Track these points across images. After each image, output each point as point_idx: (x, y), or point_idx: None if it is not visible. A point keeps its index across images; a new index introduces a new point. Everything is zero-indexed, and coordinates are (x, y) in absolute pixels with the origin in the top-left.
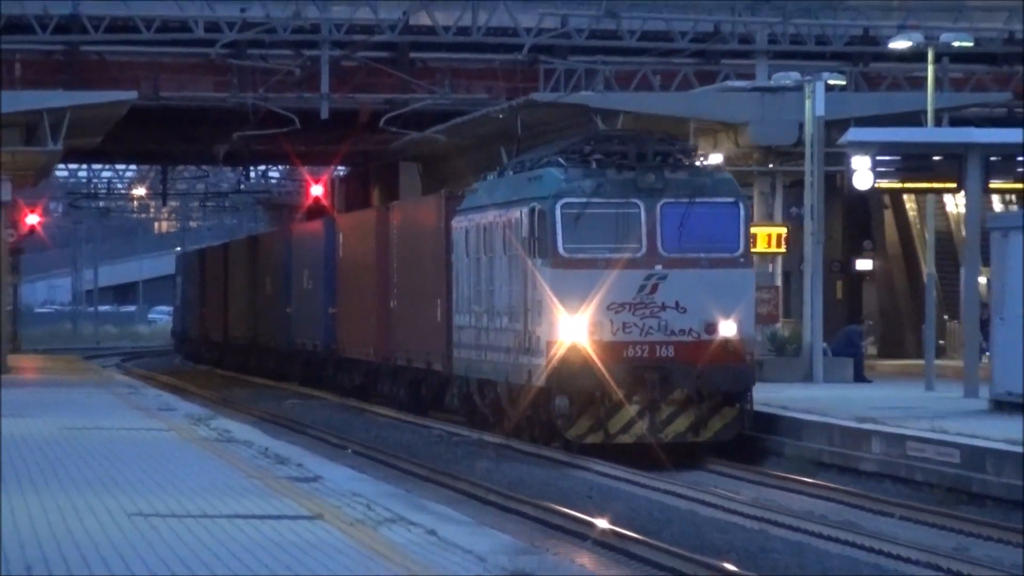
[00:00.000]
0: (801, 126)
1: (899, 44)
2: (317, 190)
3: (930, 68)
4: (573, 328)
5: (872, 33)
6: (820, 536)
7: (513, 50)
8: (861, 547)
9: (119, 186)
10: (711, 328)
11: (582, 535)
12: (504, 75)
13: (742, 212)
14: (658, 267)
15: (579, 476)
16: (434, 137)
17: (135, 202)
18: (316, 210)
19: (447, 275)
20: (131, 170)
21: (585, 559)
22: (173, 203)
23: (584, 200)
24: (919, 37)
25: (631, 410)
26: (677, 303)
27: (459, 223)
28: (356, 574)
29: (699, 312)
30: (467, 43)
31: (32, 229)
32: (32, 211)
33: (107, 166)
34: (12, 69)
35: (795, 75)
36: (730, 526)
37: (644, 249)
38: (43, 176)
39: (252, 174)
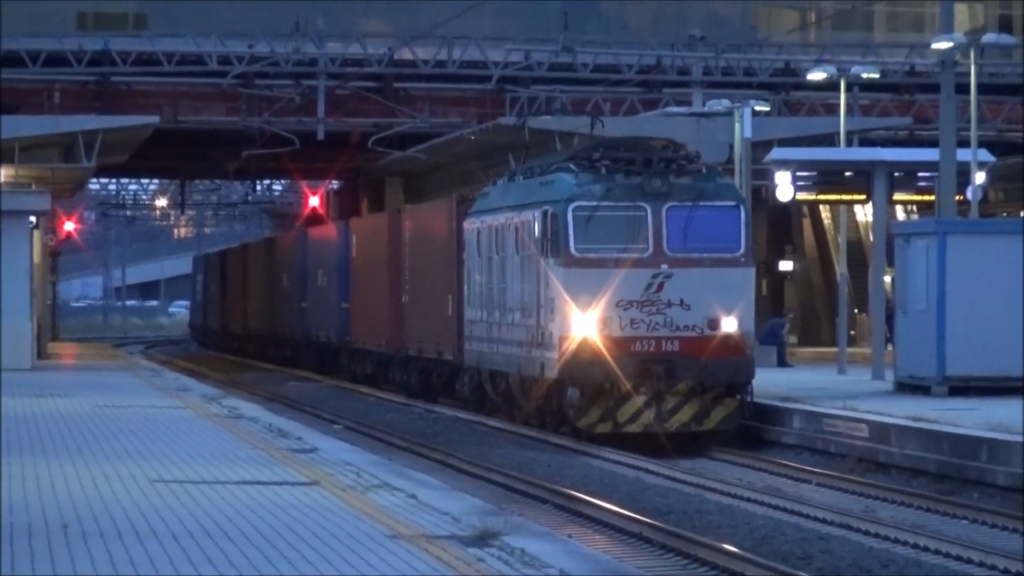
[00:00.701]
0: (731, 146)
1: (816, 76)
2: (314, 201)
3: (842, 96)
4: (584, 324)
5: (792, 66)
6: (748, 500)
7: (483, 81)
8: (783, 509)
9: (143, 197)
10: (714, 324)
11: (543, 499)
12: (475, 102)
13: (743, 214)
14: (664, 266)
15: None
16: (415, 155)
17: (157, 211)
18: (313, 218)
19: (458, 273)
20: (154, 183)
21: (546, 519)
22: (190, 212)
23: (594, 203)
24: (833, 70)
25: (638, 401)
26: (682, 300)
27: (471, 224)
28: (348, 532)
29: (702, 309)
30: (443, 75)
31: (69, 235)
32: (69, 219)
33: (133, 180)
34: (52, 97)
35: (726, 102)
36: (669, 491)
37: (651, 250)
38: (78, 189)
39: (258, 187)
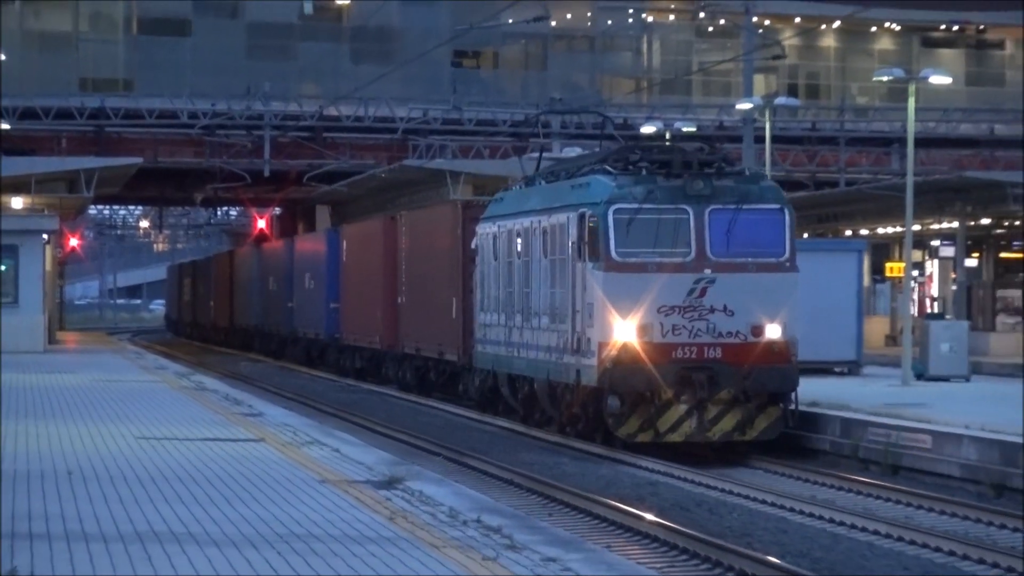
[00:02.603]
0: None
1: (647, 129)
2: (262, 223)
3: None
4: (625, 330)
5: (629, 122)
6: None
7: (391, 132)
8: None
9: (130, 220)
10: (757, 330)
11: (436, 453)
12: (385, 148)
13: (787, 218)
14: (707, 271)
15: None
16: (339, 189)
17: (141, 231)
18: (261, 237)
19: (463, 277)
20: (138, 209)
21: (437, 468)
22: (166, 231)
23: (636, 206)
24: (660, 124)
25: (680, 409)
26: (725, 306)
27: (485, 229)
28: (286, 477)
29: (746, 315)
30: (361, 127)
31: (73, 248)
32: (73, 236)
33: (122, 207)
34: (60, 142)
35: (578, 150)
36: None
37: (693, 254)
38: (80, 213)
39: (218, 212)
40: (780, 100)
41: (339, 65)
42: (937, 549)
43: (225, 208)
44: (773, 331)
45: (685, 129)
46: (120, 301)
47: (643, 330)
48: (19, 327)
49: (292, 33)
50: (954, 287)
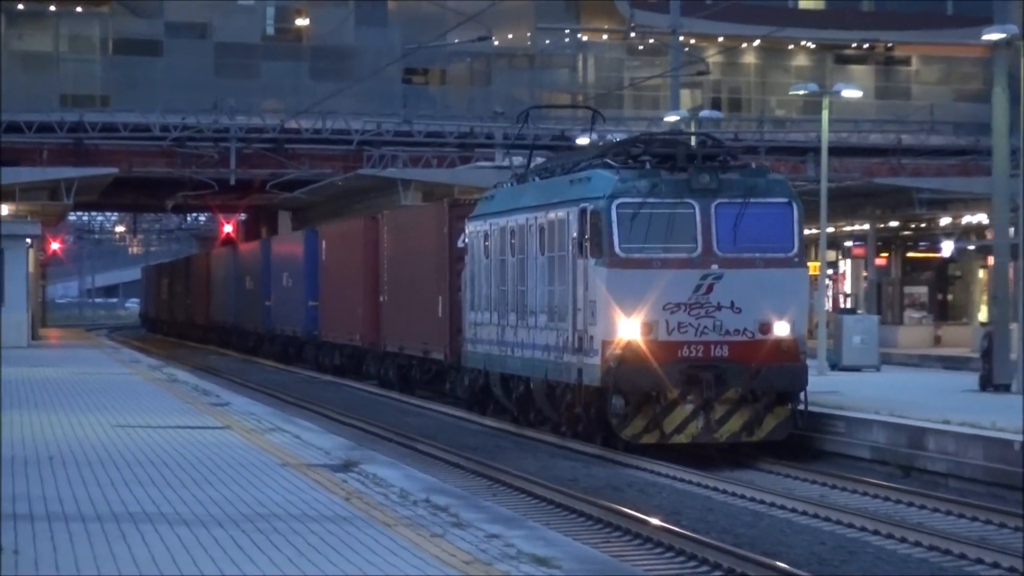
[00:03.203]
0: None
1: (582, 140)
2: (228, 228)
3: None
4: (629, 328)
5: (566, 133)
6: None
7: (347, 143)
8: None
9: (107, 225)
10: (766, 328)
11: (390, 439)
12: (341, 158)
13: (796, 212)
14: (714, 267)
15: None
16: (300, 196)
17: (116, 235)
18: (228, 240)
19: (450, 276)
20: (114, 215)
21: (391, 452)
22: (140, 235)
23: (640, 200)
24: (595, 136)
25: (686, 410)
26: (732, 303)
27: (475, 227)
28: (251, 461)
29: (754, 312)
30: (319, 139)
31: (54, 252)
32: (54, 240)
33: (100, 213)
34: (42, 154)
35: (520, 159)
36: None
37: (699, 249)
38: (61, 219)
39: (188, 218)
40: (705, 113)
41: (299, 82)
42: (850, 525)
43: (194, 214)
44: (782, 328)
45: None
46: (98, 300)
47: (648, 328)
48: (4, 324)
49: (256, 53)
50: (865, 284)
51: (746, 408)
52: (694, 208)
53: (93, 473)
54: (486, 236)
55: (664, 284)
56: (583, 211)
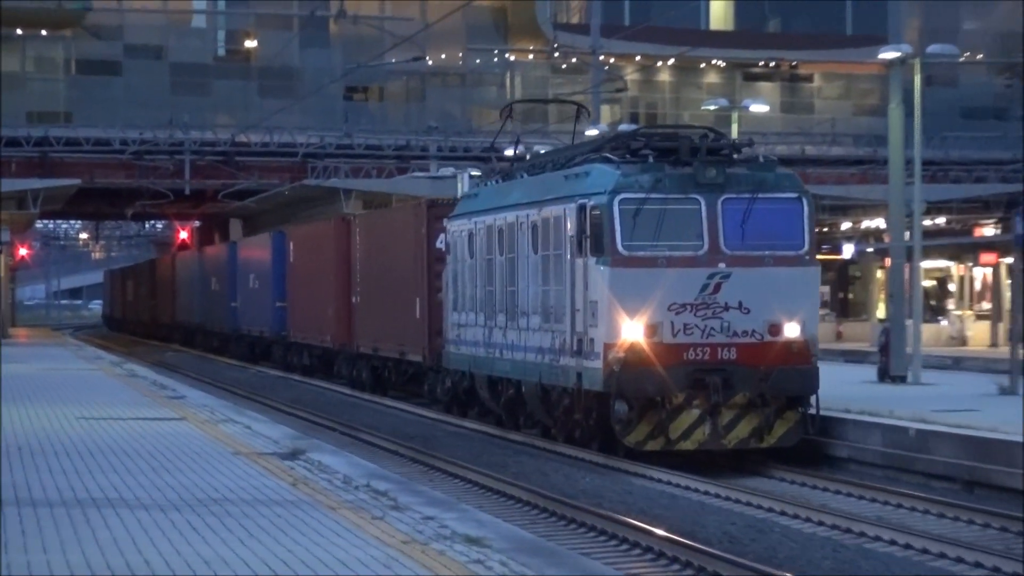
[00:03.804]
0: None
1: (509, 151)
2: (183, 234)
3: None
4: (632, 330)
5: (496, 145)
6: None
7: (293, 156)
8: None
9: (71, 232)
10: (775, 329)
11: (334, 429)
12: (288, 169)
13: (806, 208)
14: (721, 265)
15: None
16: (249, 204)
17: (80, 241)
18: (183, 246)
19: (428, 276)
20: (78, 223)
21: (334, 440)
22: (102, 241)
23: (643, 196)
24: (521, 148)
25: (692, 415)
26: (740, 303)
27: (457, 226)
28: (205, 450)
29: (763, 312)
30: (267, 151)
31: (23, 257)
32: (23, 246)
33: (64, 221)
34: (11, 166)
35: (451, 169)
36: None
37: (706, 247)
38: (28, 227)
39: (147, 225)
40: (623, 127)
41: (248, 99)
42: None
43: (152, 221)
44: (792, 330)
45: (542, 151)
46: (63, 302)
47: (652, 330)
48: None
49: (208, 72)
50: None
51: (755, 413)
52: (700, 204)
53: (59, 462)
54: (471, 235)
55: (669, 284)
56: (582, 208)
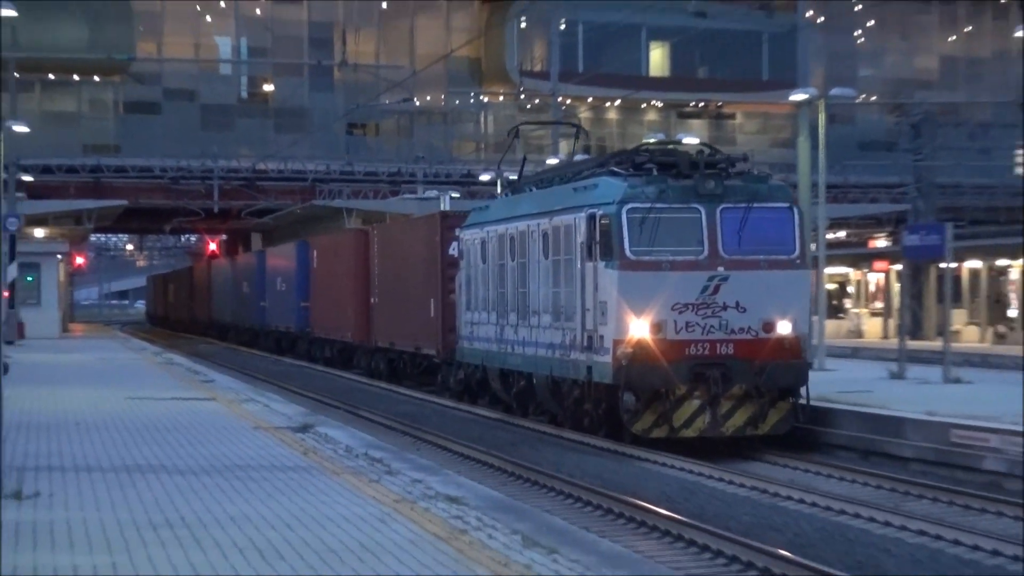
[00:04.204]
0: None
1: (484, 176)
2: (213, 246)
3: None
4: (640, 327)
5: (472, 172)
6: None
7: (303, 180)
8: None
9: (119, 244)
10: (769, 327)
11: (339, 408)
12: (299, 192)
13: (797, 216)
14: (720, 269)
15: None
16: (267, 221)
17: (127, 251)
18: (213, 255)
19: (442, 279)
20: (125, 237)
21: (339, 417)
22: (145, 251)
23: (648, 205)
24: (492, 173)
25: (693, 405)
26: (737, 303)
27: (470, 235)
28: (230, 425)
29: (758, 312)
30: (282, 177)
31: (79, 265)
32: (79, 255)
33: (113, 234)
34: (69, 190)
35: (435, 192)
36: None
37: (706, 252)
38: (84, 240)
39: (182, 238)
40: (577, 157)
41: (266, 134)
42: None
43: (186, 235)
44: (784, 327)
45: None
46: (113, 302)
47: (657, 327)
48: (41, 320)
49: (232, 112)
50: None
51: (751, 403)
52: (700, 213)
53: (109, 434)
54: (483, 243)
55: (672, 285)
56: (591, 216)
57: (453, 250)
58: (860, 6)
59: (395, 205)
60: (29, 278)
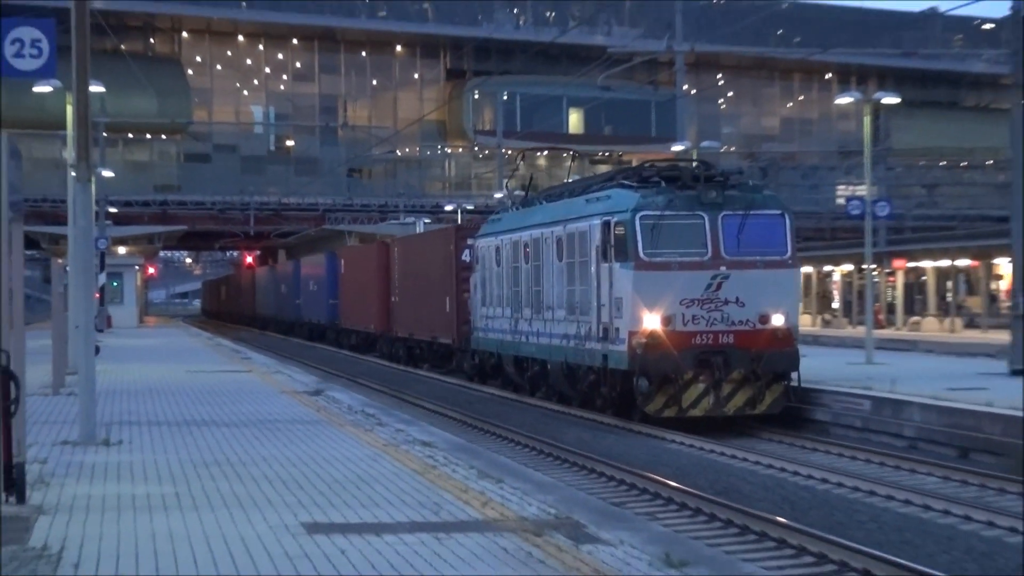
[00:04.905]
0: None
1: (448, 207)
2: (249, 259)
3: (459, 217)
4: (653, 320)
5: (439, 204)
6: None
7: (316, 211)
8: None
9: (180, 257)
10: (764, 319)
11: (349, 379)
12: (313, 219)
13: (788, 222)
14: (722, 268)
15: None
16: (290, 240)
17: (186, 263)
18: (249, 267)
19: (456, 281)
20: (185, 252)
21: (342, 384)
22: (200, 263)
23: (659, 213)
24: (454, 203)
25: (699, 388)
26: (737, 298)
27: (485, 243)
28: (262, 390)
29: (755, 306)
30: (301, 208)
31: (151, 274)
32: (151, 266)
33: (177, 251)
34: (143, 218)
35: (412, 219)
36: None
37: (709, 253)
38: (155, 255)
39: (226, 253)
40: (517, 191)
41: (288, 177)
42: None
43: (230, 251)
44: (778, 319)
45: (470, 208)
46: (176, 300)
47: (667, 320)
48: (123, 314)
49: (263, 161)
50: None
51: (749, 386)
52: (704, 219)
53: (174, 397)
54: (497, 249)
55: (681, 283)
56: (606, 223)
57: (465, 256)
58: (722, 81)
59: (383, 228)
60: (114, 283)
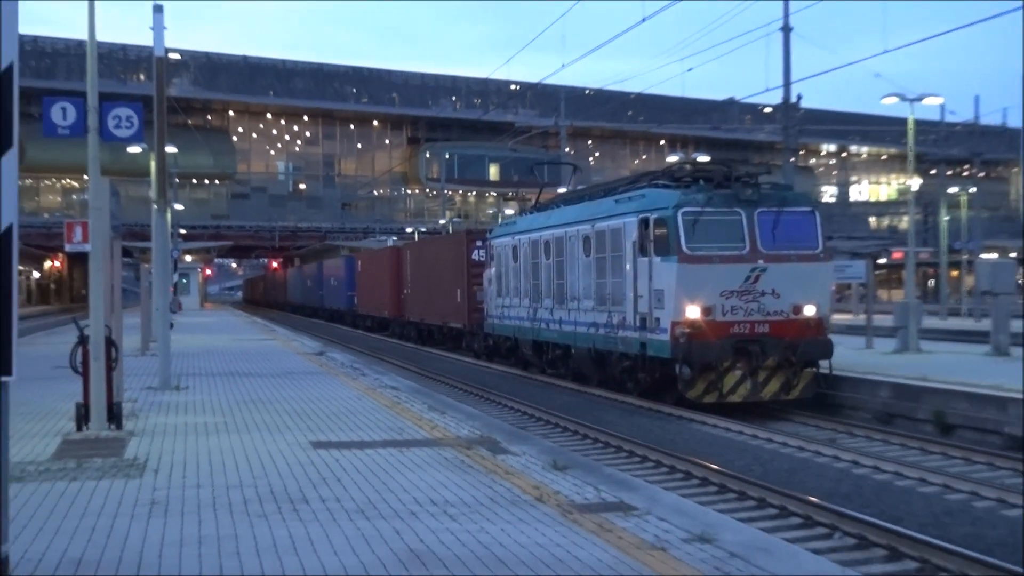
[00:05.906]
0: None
1: (408, 229)
2: (275, 264)
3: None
4: (694, 311)
5: (403, 227)
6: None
7: (319, 231)
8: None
9: (228, 263)
10: (798, 309)
11: (338, 344)
12: (318, 237)
13: (818, 218)
14: (760, 262)
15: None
16: (301, 252)
17: (233, 266)
18: (275, 269)
19: (467, 276)
20: (232, 259)
21: (339, 348)
22: (242, 267)
23: (699, 209)
24: (419, 225)
25: (736, 374)
26: (773, 290)
27: (501, 242)
28: (285, 353)
29: (789, 297)
30: (310, 230)
31: (208, 275)
32: (208, 268)
33: (225, 258)
34: (203, 236)
35: (385, 237)
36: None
37: (747, 248)
38: (210, 262)
39: (260, 260)
40: (455, 219)
41: (301, 211)
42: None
43: (261, 258)
44: (810, 310)
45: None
46: (226, 292)
47: (707, 311)
48: (189, 301)
49: (285, 199)
50: None
51: (782, 373)
52: (741, 216)
53: (223, 358)
54: (514, 248)
55: (721, 275)
56: (645, 220)
57: (475, 255)
58: (591, 145)
59: (366, 243)
60: (183, 280)
